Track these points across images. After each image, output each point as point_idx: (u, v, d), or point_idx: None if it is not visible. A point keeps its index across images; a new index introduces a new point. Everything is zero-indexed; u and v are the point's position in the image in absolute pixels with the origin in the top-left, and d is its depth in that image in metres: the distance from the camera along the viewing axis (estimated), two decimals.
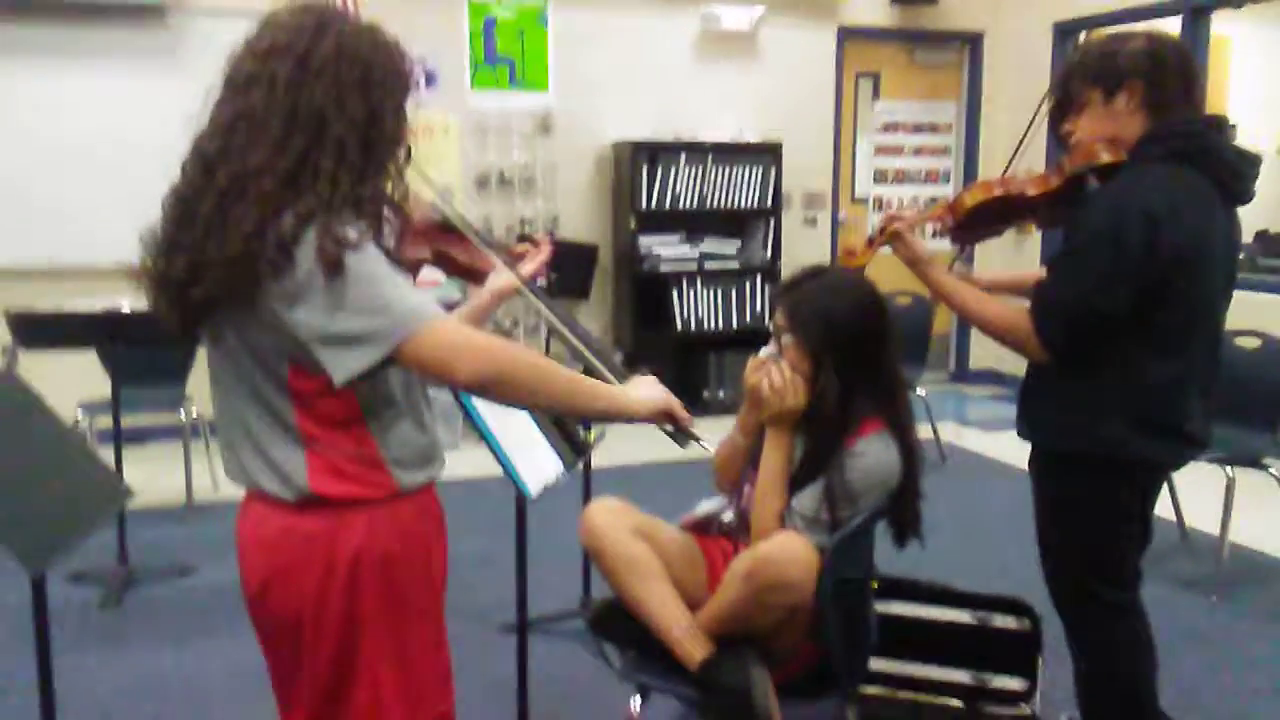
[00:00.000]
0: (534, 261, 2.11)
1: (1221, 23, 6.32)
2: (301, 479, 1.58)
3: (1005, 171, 2.53)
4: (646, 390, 1.74)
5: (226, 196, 1.48)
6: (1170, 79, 2.25)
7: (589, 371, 1.78)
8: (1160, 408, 2.27)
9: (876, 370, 2.33)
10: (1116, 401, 2.26)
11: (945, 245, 2.76)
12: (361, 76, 1.53)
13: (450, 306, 1.94)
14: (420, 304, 1.50)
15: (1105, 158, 2.27)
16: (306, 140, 1.49)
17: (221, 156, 1.51)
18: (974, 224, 2.47)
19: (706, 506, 2.62)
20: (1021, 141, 2.56)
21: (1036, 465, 2.45)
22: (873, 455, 2.27)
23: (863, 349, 2.31)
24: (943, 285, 2.43)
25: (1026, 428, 2.42)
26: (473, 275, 2.03)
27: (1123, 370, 2.25)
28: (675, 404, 1.76)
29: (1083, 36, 7.03)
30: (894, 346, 2.37)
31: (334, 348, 1.47)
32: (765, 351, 2.41)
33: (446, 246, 1.96)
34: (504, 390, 1.53)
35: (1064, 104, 2.35)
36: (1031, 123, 2.48)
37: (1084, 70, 2.31)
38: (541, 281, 2.29)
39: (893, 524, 2.37)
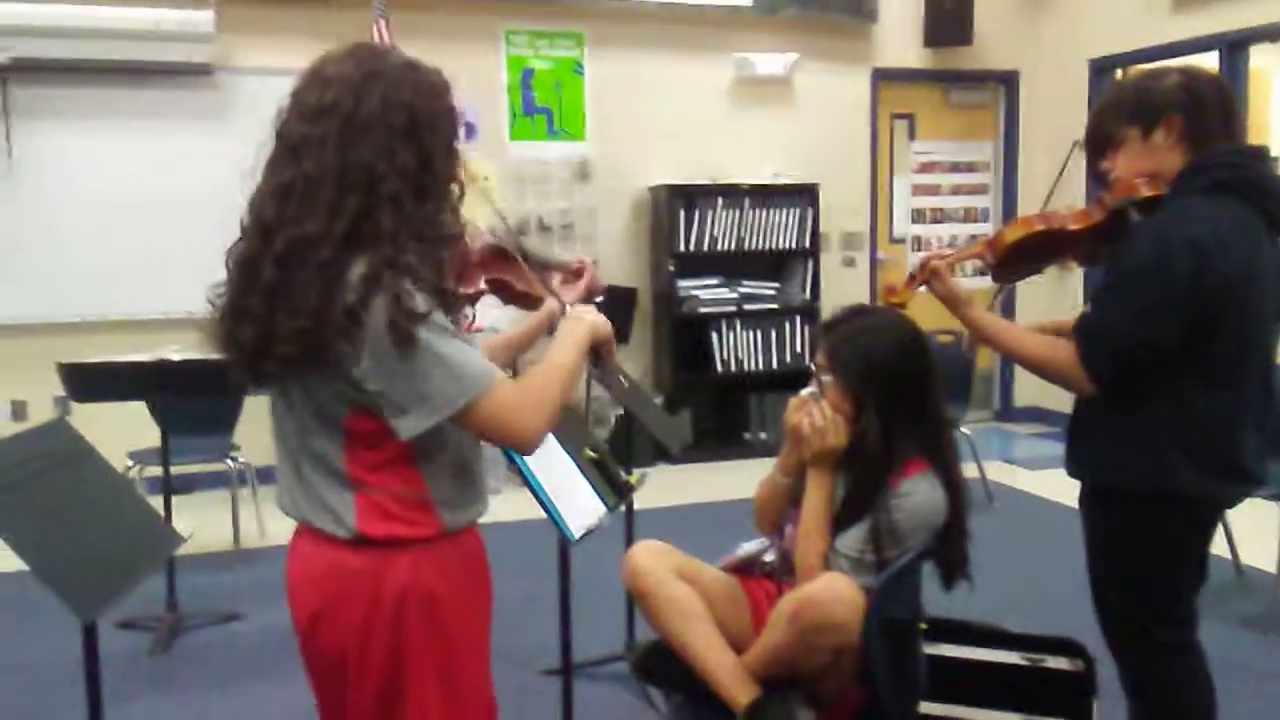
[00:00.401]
0: (583, 286, 2.13)
1: (1260, 56, 6.28)
2: (350, 520, 1.60)
3: (1044, 208, 2.52)
4: (588, 314, 1.80)
5: (286, 265, 1.51)
6: (1208, 112, 2.24)
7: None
8: (1212, 441, 2.23)
9: (919, 410, 2.32)
10: (1167, 435, 2.22)
11: (987, 283, 2.74)
12: (408, 122, 1.55)
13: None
14: (482, 370, 1.55)
15: (1146, 191, 2.25)
16: (360, 200, 1.52)
17: (278, 222, 1.53)
18: (1014, 261, 2.45)
19: (748, 548, 2.61)
20: (1055, 183, 2.56)
21: (1087, 502, 2.40)
22: (919, 495, 2.26)
23: (904, 389, 2.31)
24: (980, 323, 2.39)
25: (1074, 464, 2.38)
26: (529, 301, 2.06)
27: (1173, 403, 2.21)
28: (609, 334, 1.81)
29: (1119, 74, 7.02)
30: (937, 386, 2.36)
31: (399, 408, 1.52)
32: (806, 391, 2.41)
33: (503, 274, 1.98)
34: (550, 426, 1.62)
35: (1100, 142, 2.34)
36: (1064, 167, 2.48)
37: (1119, 107, 2.31)
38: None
39: (940, 564, 2.34)
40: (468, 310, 1.86)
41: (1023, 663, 2.88)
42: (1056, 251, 2.47)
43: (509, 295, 2.03)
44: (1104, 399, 2.24)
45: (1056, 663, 2.86)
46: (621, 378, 2.01)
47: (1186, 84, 2.26)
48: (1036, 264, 2.52)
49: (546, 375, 1.66)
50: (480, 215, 1.91)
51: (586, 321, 1.78)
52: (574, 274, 2.16)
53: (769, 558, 2.53)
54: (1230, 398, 2.23)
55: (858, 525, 2.28)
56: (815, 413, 2.32)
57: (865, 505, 2.28)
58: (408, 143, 1.55)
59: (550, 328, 2.10)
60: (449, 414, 1.52)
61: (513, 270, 2.01)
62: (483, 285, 1.98)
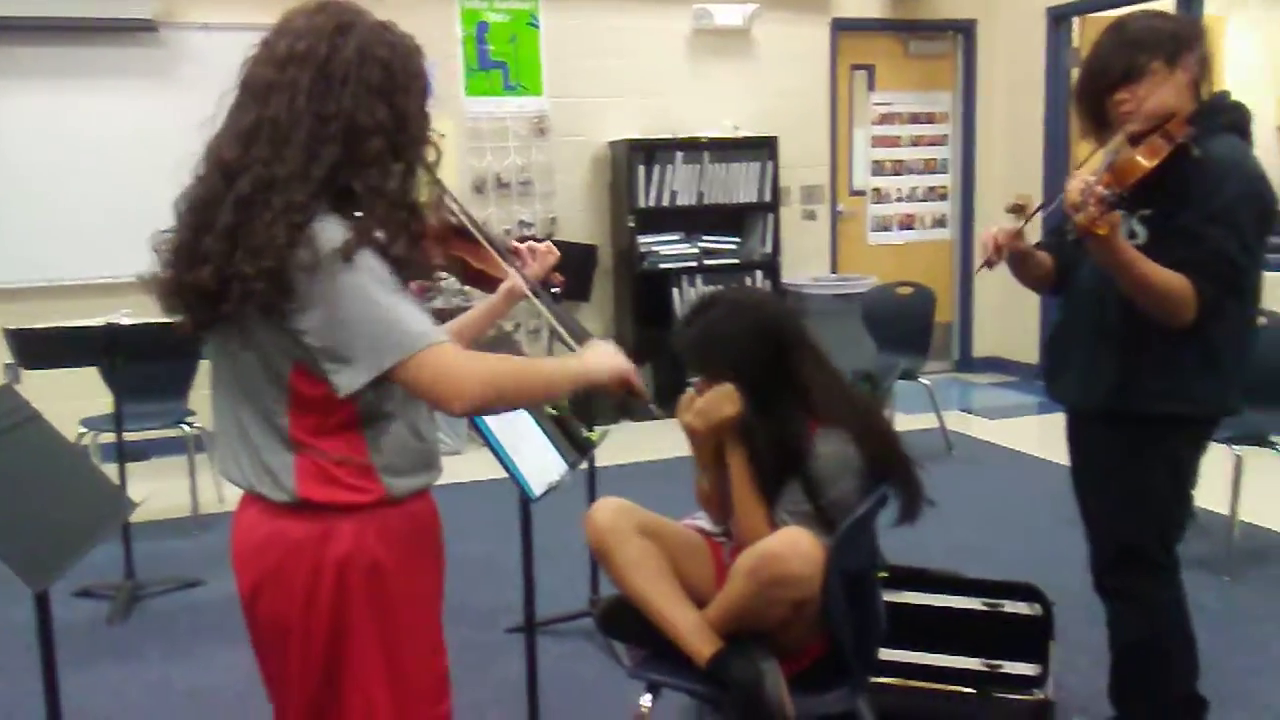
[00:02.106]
0: (541, 264, 2.10)
1: (1214, 3, 6.31)
2: (290, 483, 1.57)
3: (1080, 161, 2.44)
4: (606, 358, 1.75)
5: (250, 206, 1.48)
6: (1209, 51, 2.34)
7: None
8: (1244, 362, 2.38)
9: (796, 379, 2.33)
10: (1229, 360, 2.34)
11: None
12: (383, 80, 1.53)
13: (453, 314, 1.94)
14: (424, 328, 1.51)
15: (1187, 127, 2.24)
16: (339, 150, 1.49)
17: (241, 164, 1.50)
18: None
19: (705, 523, 2.61)
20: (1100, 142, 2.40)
21: (1105, 428, 2.43)
22: (830, 446, 2.28)
23: (766, 364, 2.31)
24: (1126, 251, 2.21)
25: (1113, 393, 2.39)
26: (485, 282, 2.01)
27: (1228, 328, 2.32)
28: (632, 371, 1.77)
29: (1075, 22, 7.02)
30: (808, 352, 2.38)
31: (337, 362, 1.49)
32: (689, 392, 2.43)
33: (461, 252, 1.94)
34: (496, 408, 1.61)
35: (1121, 73, 2.30)
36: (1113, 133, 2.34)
37: (1148, 40, 2.29)
38: (556, 288, 2.27)
39: (898, 501, 2.36)
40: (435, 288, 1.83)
41: (982, 608, 2.93)
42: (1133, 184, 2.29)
43: (466, 274, 1.98)
44: (1165, 329, 2.27)
45: (1015, 607, 2.91)
46: (651, 405, 1.99)
47: (1194, 25, 2.40)
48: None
49: (519, 372, 1.63)
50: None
51: (606, 366, 1.74)
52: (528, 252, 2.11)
53: (726, 542, 2.53)
54: (1254, 317, 2.41)
55: (789, 484, 2.30)
56: (699, 401, 2.35)
57: (787, 467, 2.29)
58: (383, 99, 1.53)
59: (505, 310, 2.07)
60: (387, 366, 1.48)
61: (470, 249, 1.96)
62: (440, 259, 1.93)
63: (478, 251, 1.97)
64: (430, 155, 1.63)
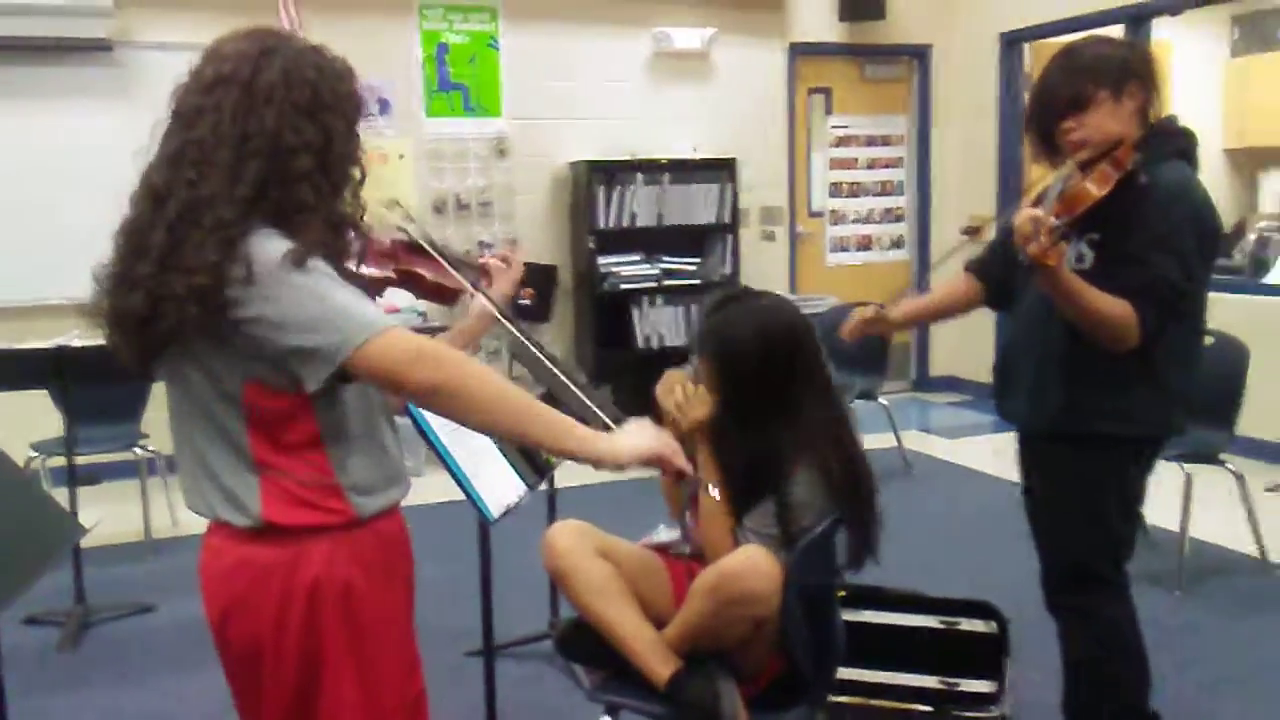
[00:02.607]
0: (505, 279, 2.09)
1: (1163, 28, 6.45)
2: (255, 507, 1.55)
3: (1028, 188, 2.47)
4: (634, 437, 1.62)
5: (179, 226, 1.47)
6: (1158, 82, 2.39)
7: (576, 413, 1.68)
8: (1191, 384, 2.42)
9: (788, 401, 2.31)
10: (1171, 382, 2.37)
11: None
12: (310, 100, 1.53)
13: (427, 331, 1.93)
14: (374, 314, 1.50)
15: (1134, 154, 2.28)
16: (263, 167, 1.50)
17: (170, 188, 1.50)
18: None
19: (664, 535, 2.61)
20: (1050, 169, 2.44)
21: (1054, 448, 2.47)
22: (811, 475, 2.28)
23: (762, 377, 2.31)
24: (1070, 281, 2.25)
25: (1059, 414, 2.42)
26: (441, 295, 2.00)
27: (1173, 350, 2.35)
28: (666, 448, 1.63)
29: (1027, 47, 7.15)
30: (808, 382, 2.33)
31: (300, 359, 1.48)
32: (682, 369, 2.43)
33: (412, 266, 1.92)
34: (454, 403, 1.50)
35: (1069, 102, 2.34)
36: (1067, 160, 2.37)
37: (1092, 69, 2.34)
38: (525, 300, 2.26)
39: (849, 548, 2.36)
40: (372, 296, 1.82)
41: (938, 626, 2.96)
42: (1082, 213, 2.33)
43: (421, 289, 1.97)
44: (1110, 352, 2.30)
45: (971, 625, 2.94)
46: (709, 486, 1.84)
47: (1142, 52, 2.43)
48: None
49: (489, 382, 1.51)
50: (384, 205, 1.86)
51: (624, 447, 1.59)
52: (503, 260, 2.10)
53: (685, 550, 2.53)
54: (1200, 339, 2.45)
55: (762, 503, 2.29)
56: (678, 390, 2.34)
57: (766, 485, 2.29)
58: (309, 119, 1.53)
59: (480, 331, 2.05)
60: (348, 353, 1.46)
61: (424, 263, 1.95)
62: (391, 274, 1.92)
63: (431, 265, 1.97)
64: (356, 175, 1.62)
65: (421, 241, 1.95)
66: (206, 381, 1.54)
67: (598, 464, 1.57)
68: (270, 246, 1.48)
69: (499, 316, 2.00)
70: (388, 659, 1.66)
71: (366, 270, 1.76)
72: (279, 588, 1.57)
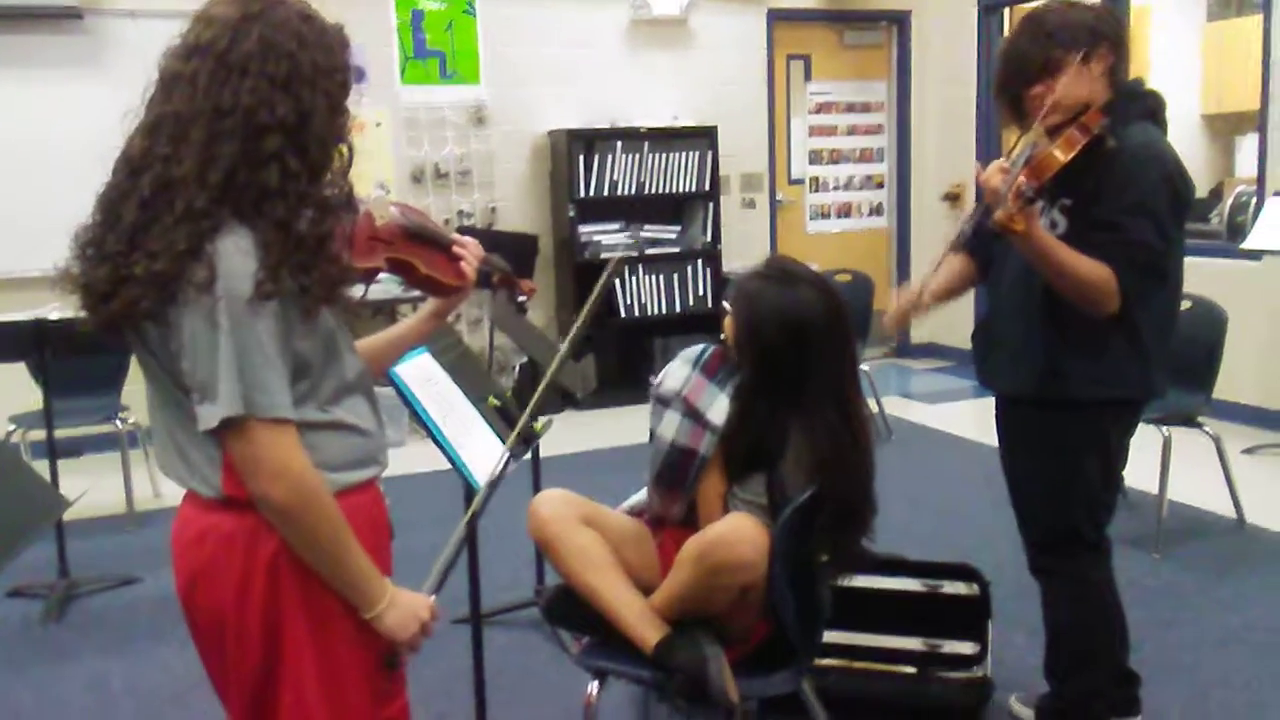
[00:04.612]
0: (469, 264, 1.90)
1: None
2: (216, 479, 1.54)
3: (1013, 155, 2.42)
4: (400, 612, 1.63)
5: (151, 205, 1.45)
6: (1126, 45, 2.38)
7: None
8: (1166, 345, 2.43)
9: (799, 390, 2.29)
10: (1148, 345, 2.38)
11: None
12: (289, 73, 1.47)
13: (387, 305, 1.86)
14: (284, 401, 1.48)
15: (1102, 118, 2.28)
16: (236, 149, 1.45)
17: (146, 160, 1.47)
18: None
19: (636, 499, 2.62)
20: (1020, 137, 2.42)
21: (1038, 412, 2.48)
22: (794, 465, 2.28)
23: (779, 355, 2.30)
24: (1045, 241, 2.27)
25: (1039, 379, 2.43)
26: (434, 287, 1.89)
27: (1149, 313, 2.36)
28: (409, 637, 1.65)
29: (1006, 12, 7.13)
30: (822, 376, 2.28)
31: (198, 394, 1.47)
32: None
33: (407, 255, 1.81)
34: (289, 519, 1.50)
35: (1038, 67, 2.33)
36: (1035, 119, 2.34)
37: (1060, 33, 2.33)
38: (524, 297, 2.19)
39: (832, 551, 2.36)
40: (359, 286, 1.76)
41: (921, 589, 2.98)
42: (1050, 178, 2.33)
43: (412, 279, 1.86)
44: (1090, 316, 2.31)
45: (953, 588, 2.97)
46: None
47: (1110, 15, 2.40)
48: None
49: (335, 522, 1.53)
50: (368, 181, 1.78)
51: (387, 621, 1.61)
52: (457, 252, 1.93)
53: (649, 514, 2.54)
54: (1177, 301, 2.45)
55: (757, 474, 2.30)
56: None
57: (758, 460, 2.30)
58: (286, 94, 1.47)
59: (431, 330, 1.98)
60: (234, 414, 1.44)
61: (420, 253, 1.83)
62: (382, 263, 1.83)
63: (429, 256, 1.88)
64: (341, 155, 1.57)
65: (421, 232, 1.84)
66: (158, 363, 1.53)
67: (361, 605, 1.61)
68: (238, 264, 1.43)
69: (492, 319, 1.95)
70: (351, 635, 1.62)
71: (355, 260, 1.67)
72: (241, 559, 1.55)
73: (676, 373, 2.45)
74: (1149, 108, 2.40)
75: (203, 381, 1.45)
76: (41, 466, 3.57)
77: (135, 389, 4.76)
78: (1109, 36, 2.35)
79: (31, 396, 4.21)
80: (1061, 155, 2.24)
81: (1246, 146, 7.49)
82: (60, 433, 3.98)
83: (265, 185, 1.46)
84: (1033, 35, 2.37)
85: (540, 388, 2.04)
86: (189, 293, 1.43)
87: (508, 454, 2.11)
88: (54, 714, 3.09)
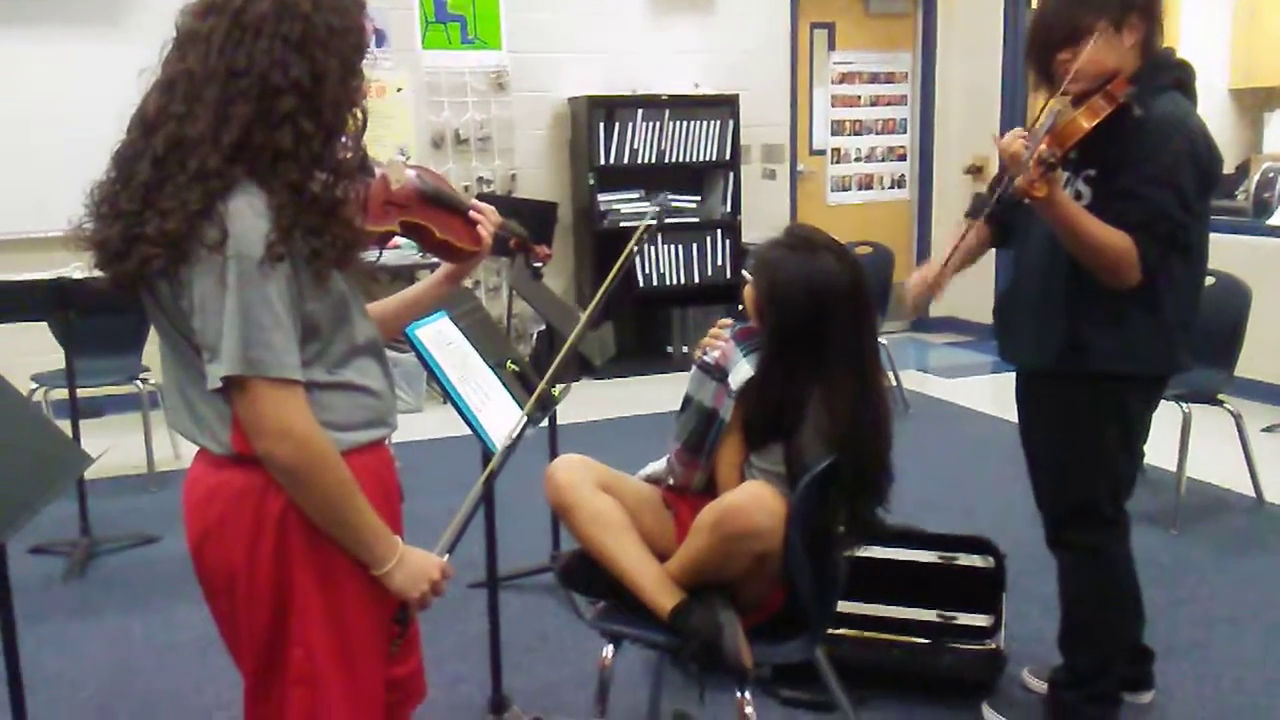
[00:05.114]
0: (486, 228, 1.90)
1: None
2: (225, 436, 1.55)
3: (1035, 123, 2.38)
4: (409, 570, 1.66)
5: (164, 164, 1.46)
6: (1158, 15, 2.34)
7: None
8: (1192, 319, 2.42)
9: (820, 359, 2.28)
10: (1172, 319, 2.37)
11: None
12: (303, 34, 1.47)
13: (405, 270, 1.84)
14: (292, 360, 1.48)
15: (1128, 87, 2.26)
16: (250, 109, 1.45)
17: (160, 118, 1.47)
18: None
19: (652, 468, 2.62)
20: (1044, 106, 2.39)
21: (1065, 390, 2.46)
22: (812, 434, 2.27)
23: (800, 326, 2.27)
24: (1068, 206, 2.25)
25: (1062, 352, 2.42)
26: (449, 252, 1.88)
27: (1175, 287, 2.35)
28: (419, 595, 1.67)
29: None
30: (842, 345, 2.26)
31: (207, 351, 1.48)
32: (725, 322, 2.42)
33: (423, 219, 1.79)
34: (297, 476, 1.52)
35: (1068, 32, 2.30)
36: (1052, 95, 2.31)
37: (1096, 1, 2.29)
38: (540, 264, 2.19)
39: (848, 520, 2.36)
40: (372, 251, 1.74)
41: (936, 561, 2.99)
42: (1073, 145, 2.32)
43: (427, 243, 1.84)
44: (1113, 290, 2.30)
45: (968, 560, 2.97)
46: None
47: None
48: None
49: (341, 477, 1.55)
50: (388, 146, 1.76)
51: (396, 579, 1.64)
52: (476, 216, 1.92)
53: (670, 481, 2.53)
54: (1202, 275, 2.43)
55: (775, 443, 2.30)
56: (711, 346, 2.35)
57: (775, 430, 2.29)
58: (300, 55, 1.47)
59: (459, 278, 1.97)
60: (239, 373, 1.46)
61: (436, 217, 1.81)
62: (396, 226, 1.82)
63: (445, 220, 1.86)
64: (355, 119, 1.56)
65: (437, 195, 1.83)
66: (169, 321, 1.54)
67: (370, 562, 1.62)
68: (250, 225, 1.44)
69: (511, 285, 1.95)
70: (362, 592, 1.64)
71: (369, 223, 1.66)
72: (250, 515, 1.57)
73: (720, 343, 2.46)
74: (1178, 78, 2.37)
75: (211, 340, 1.46)
76: (63, 426, 3.59)
77: (156, 349, 4.78)
78: (1141, 6, 2.31)
79: (54, 356, 4.24)
80: (1085, 123, 2.22)
81: (1275, 122, 7.38)
82: (82, 392, 4.02)
83: (279, 147, 1.47)
84: (1070, 3, 2.33)
85: (561, 353, 2.04)
86: (200, 252, 1.44)
87: (525, 419, 2.11)
88: (75, 669, 3.13)
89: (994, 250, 2.80)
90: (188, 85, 1.47)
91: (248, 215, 1.45)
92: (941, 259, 2.58)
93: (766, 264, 2.35)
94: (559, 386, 3.01)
